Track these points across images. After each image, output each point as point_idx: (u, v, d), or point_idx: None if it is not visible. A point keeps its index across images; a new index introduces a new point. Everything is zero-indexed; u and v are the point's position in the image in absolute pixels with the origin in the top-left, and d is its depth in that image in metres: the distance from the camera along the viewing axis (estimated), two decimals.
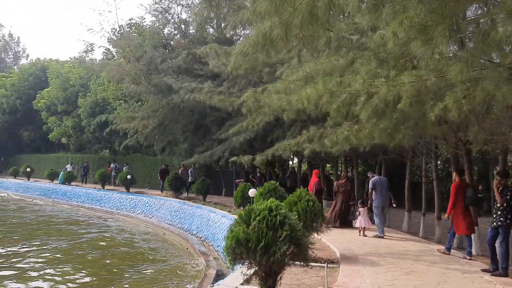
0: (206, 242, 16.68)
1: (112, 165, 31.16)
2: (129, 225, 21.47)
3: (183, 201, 21.35)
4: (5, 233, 18.03)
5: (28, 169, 38.10)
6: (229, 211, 17.25)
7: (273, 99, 10.56)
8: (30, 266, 12.41)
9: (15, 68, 49.24)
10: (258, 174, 20.89)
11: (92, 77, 32.42)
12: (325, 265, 7.16)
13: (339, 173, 20.40)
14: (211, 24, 22.37)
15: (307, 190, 9.85)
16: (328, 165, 26.39)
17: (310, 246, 6.16)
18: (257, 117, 13.96)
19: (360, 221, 12.17)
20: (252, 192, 14.46)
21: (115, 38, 28.09)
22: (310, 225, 8.22)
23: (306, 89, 8.35)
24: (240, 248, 5.50)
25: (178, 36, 25.85)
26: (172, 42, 26.10)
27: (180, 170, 23.49)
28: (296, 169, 23.21)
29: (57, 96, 37.62)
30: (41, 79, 42.83)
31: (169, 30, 26.88)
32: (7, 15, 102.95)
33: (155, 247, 16.13)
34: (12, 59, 55.86)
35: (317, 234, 8.77)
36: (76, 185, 31.98)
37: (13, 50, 57.28)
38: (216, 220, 16.74)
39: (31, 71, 45.11)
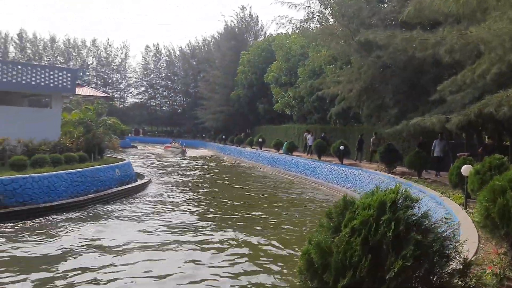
0: None
1: (307, 135, 31.21)
2: (334, 200, 19.78)
3: (393, 176, 18.22)
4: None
5: (260, 140, 40.78)
6: (442, 193, 13.50)
7: None
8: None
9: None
10: (487, 144, 15.88)
11: (311, 45, 31.55)
12: None
13: None
14: None
15: None
16: None
17: None
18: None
19: None
20: (465, 169, 10.55)
21: None
22: None
23: None
24: (309, 273, 2.86)
25: None
26: None
27: (371, 140, 21.37)
28: None
29: (281, 67, 38.58)
30: (272, 54, 44.83)
31: None
32: None
33: None
34: (252, 39, 60.81)
35: None
36: (298, 156, 32.12)
37: (253, 30, 62.29)
38: (423, 204, 13.26)
39: (263, 46, 47.89)
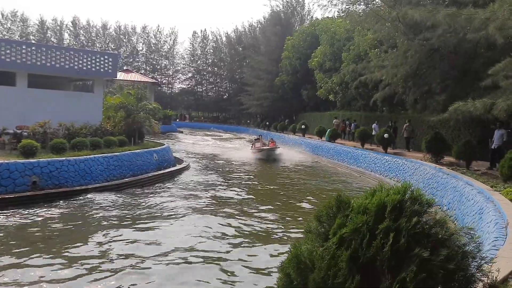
0: (455, 224, 12.47)
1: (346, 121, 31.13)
2: None
3: (439, 167, 17.03)
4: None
5: (303, 126, 39.99)
6: (492, 186, 12.37)
7: None
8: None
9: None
10: None
11: (357, 28, 30.19)
12: None
13: None
14: None
15: None
16: None
17: None
18: None
19: None
20: None
21: None
22: None
23: None
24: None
25: None
26: None
27: (404, 127, 21.05)
28: None
29: (325, 52, 37.40)
30: (316, 38, 43.59)
31: None
32: None
33: None
34: (298, 23, 59.49)
35: None
36: (341, 143, 31.13)
37: (299, 14, 60.91)
38: (470, 197, 12.22)
39: (308, 31, 46.64)
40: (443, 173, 15.96)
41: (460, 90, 16.37)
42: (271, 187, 19.45)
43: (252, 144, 33.05)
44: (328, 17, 46.43)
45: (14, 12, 79.96)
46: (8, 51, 19.71)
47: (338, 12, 32.00)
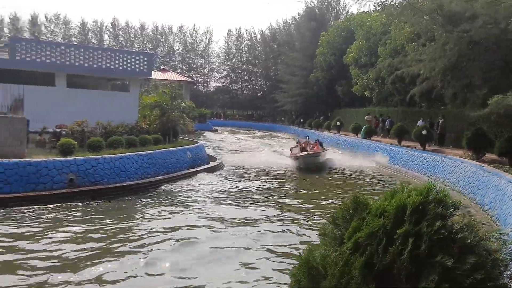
0: (496, 225, 11.86)
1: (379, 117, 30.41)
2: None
3: (480, 165, 16.29)
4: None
5: (338, 123, 39.39)
6: None
7: None
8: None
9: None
10: None
11: (393, 22, 29.37)
12: None
13: None
14: None
15: None
16: None
17: None
18: None
19: None
20: None
21: None
22: None
23: None
24: None
25: None
26: None
27: (440, 122, 20.23)
28: None
29: (361, 48, 36.66)
30: (352, 33, 42.81)
31: None
32: None
33: None
34: (333, 19, 58.66)
35: None
36: (377, 140, 30.43)
37: (334, 9, 60.04)
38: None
39: (343, 26, 45.87)
40: (484, 171, 15.25)
41: (503, 83, 15.58)
42: (306, 180, 19.22)
43: (291, 150, 26.25)
44: (363, 11, 45.59)
45: (57, 15, 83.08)
46: (48, 52, 20.39)
47: (374, 5, 31.28)
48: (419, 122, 26.16)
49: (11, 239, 9.62)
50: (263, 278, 8.11)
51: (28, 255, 8.63)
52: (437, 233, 1.92)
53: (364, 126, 32.31)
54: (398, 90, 29.97)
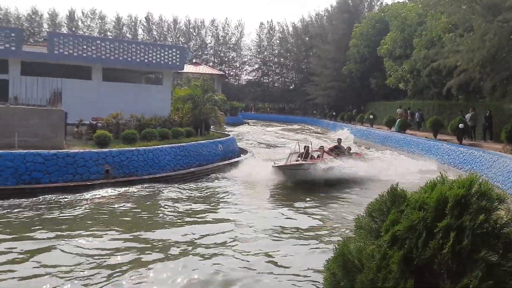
0: None
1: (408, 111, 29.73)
2: None
3: None
4: None
5: (371, 116, 38.72)
6: None
7: None
8: None
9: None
10: None
11: (429, 12, 28.48)
12: None
13: None
14: None
15: None
16: None
17: None
18: None
19: None
20: None
21: None
22: None
23: None
24: None
25: None
26: None
27: (470, 115, 19.94)
28: None
29: (395, 39, 35.78)
30: (386, 25, 41.86)
31: None
32: None
33: None
34: (367, 10, 57.53)
35: None
36: (412, 134, 29.75)
37: (368, 0, 58.81)
38: None
39: (377, 17, 44.88)
40: None
41: None
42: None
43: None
44: (398, 1, 44.49)
45: (93, 10, 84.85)
46: (84, 47, 20.91)
47: None
48: (467, 116, 24.35)
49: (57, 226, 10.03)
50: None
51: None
52: (480, 227, 1.84)
53: (398, 120, 31.64)
54: (434, 83, 29.14)
